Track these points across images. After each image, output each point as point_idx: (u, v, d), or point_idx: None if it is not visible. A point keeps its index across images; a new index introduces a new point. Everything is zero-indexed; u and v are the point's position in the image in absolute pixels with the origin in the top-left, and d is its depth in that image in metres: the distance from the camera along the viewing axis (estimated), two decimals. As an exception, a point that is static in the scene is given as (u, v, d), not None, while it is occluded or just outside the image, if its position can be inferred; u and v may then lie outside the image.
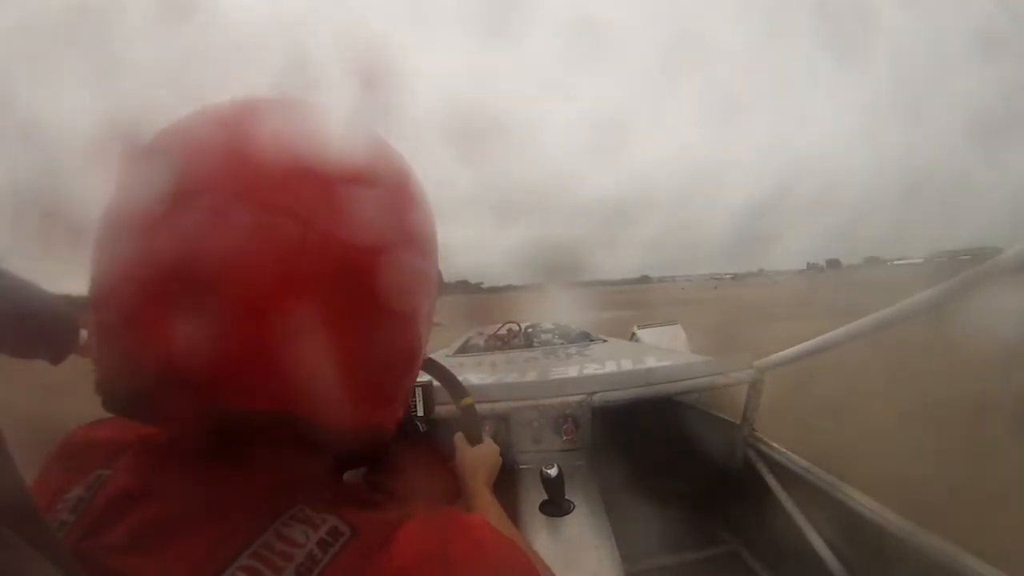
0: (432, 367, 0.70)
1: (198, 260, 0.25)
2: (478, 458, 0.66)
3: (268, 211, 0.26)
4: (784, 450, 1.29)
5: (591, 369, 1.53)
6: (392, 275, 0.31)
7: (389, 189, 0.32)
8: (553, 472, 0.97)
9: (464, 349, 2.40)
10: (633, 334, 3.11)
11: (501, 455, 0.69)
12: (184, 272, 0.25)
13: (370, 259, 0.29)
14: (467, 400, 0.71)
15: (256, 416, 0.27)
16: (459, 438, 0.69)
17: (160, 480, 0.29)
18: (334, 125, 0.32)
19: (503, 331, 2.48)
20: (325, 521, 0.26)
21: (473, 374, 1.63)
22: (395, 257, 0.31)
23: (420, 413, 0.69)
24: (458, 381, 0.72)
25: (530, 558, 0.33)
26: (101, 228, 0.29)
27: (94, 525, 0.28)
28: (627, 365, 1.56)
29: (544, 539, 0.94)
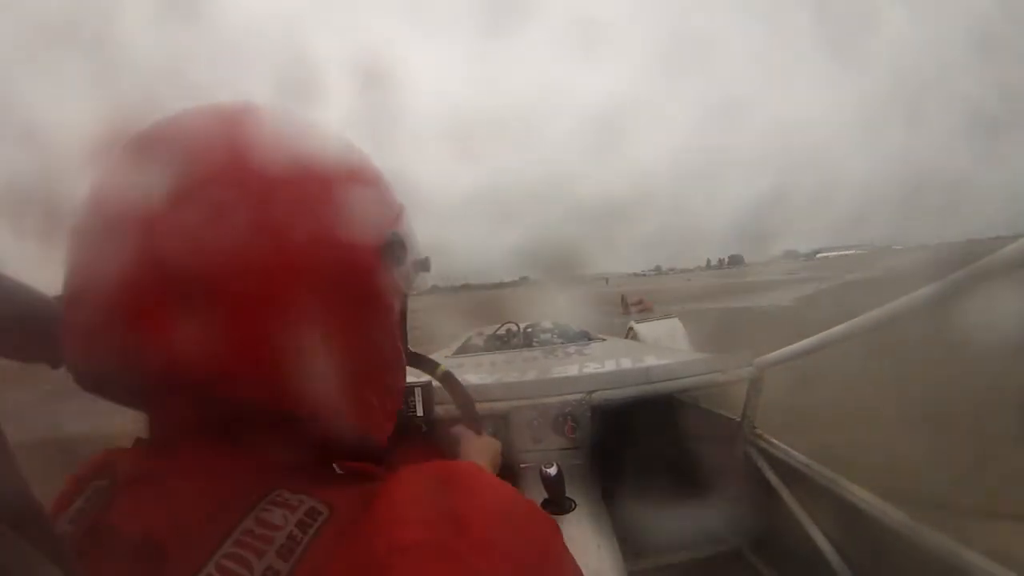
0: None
1: (196, 258, 0.26)
2: (482, 447, 0.65)
3: (263, 210, 0.28)
4: (785, 447, 1.29)
5: (590, 368, 1.53)
6: (380, 273, 0.33)
7: (373, 189, 0.36)
8: (553, 471, 0.97)
9: (464, 349, 2.40)
10: (631, 329, 3.10)
11: (502, 454, 0.69)
12: (182, 270, 0.26)
13: (358, 257, 0.32)
14: (441, 368, 0.69)
15: (251, 411, 0.29)
16: (461, 429, 0.68)
17: (151, 487, 0.30)
18: (318, 130, 0.35)
19: (502, 331, 2.48)
20: (302, 502, 0.27)
21: (473, 374, 1.63)
22: (381, 255, 0.34)
23: (420, 413, 0.69)
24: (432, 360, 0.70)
25: (530, 502, 0.32)
26: (84, 223, 0.30)
27: (93, 532, 0.29)
28: (626, 364, 1.55)
29: None
